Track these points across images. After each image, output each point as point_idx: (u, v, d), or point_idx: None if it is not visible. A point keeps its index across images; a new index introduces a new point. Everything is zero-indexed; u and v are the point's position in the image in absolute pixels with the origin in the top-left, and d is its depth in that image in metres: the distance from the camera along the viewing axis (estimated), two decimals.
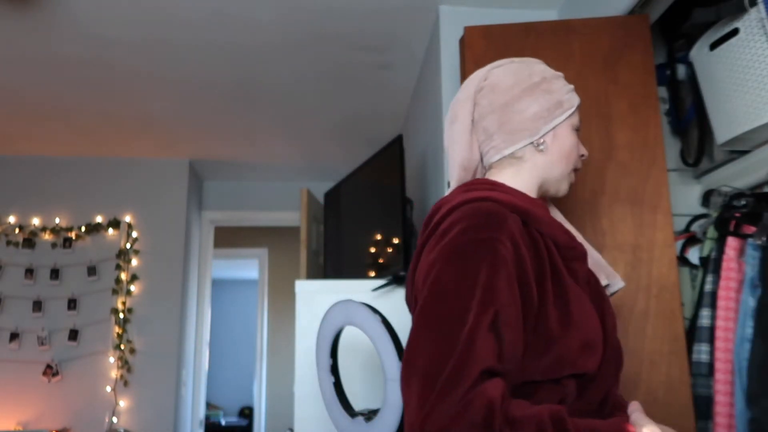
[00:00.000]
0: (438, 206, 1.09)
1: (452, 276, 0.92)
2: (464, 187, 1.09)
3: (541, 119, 1.09)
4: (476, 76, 1.16)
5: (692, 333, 1.71)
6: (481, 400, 0.81)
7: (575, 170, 1.15)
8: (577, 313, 0.97)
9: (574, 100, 1.13)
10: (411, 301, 1.17)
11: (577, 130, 1.15)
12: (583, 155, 1.16)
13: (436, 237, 1.00)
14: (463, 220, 0.97)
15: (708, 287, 1.69)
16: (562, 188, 1.15)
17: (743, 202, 1.73)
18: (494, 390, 0.82)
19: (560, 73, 1.16)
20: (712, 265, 1.71)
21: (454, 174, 1.17)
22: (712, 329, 1.65)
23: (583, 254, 1.07)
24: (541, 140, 1.10)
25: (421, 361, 0.87)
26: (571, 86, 1.15)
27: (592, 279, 1.08)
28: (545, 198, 1.18)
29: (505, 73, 1.13)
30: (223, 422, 7.75)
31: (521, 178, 1.11)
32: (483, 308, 0.87)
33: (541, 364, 0.94)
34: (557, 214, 1.21)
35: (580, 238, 1.16)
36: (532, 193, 1.12)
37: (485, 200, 1.01)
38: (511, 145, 1.10)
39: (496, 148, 1.11)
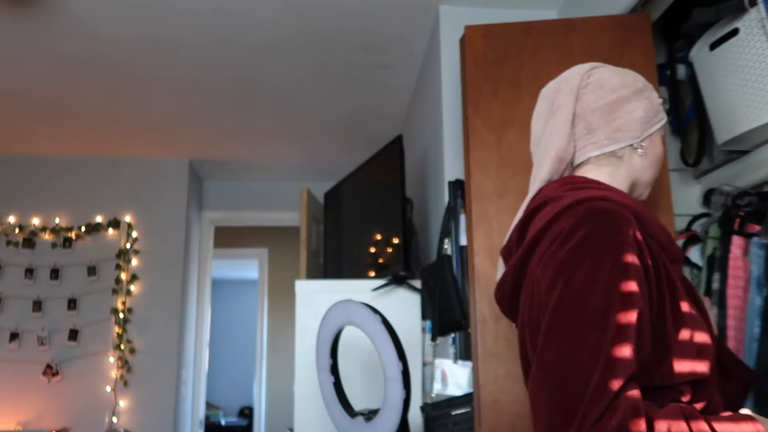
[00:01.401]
0: (540, 202, 1.08)
1: (586, 280, 0.90)
2: (569, 185, 1.08)
3: (644, 123, 1.13)
4: (577, 72, 1.17)
5: None
6: (630, 406, 0.82)
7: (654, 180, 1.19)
8: (688, 318, 0.97)
9: (664, 113, 1.18)
10: (507, 297, 1.15)
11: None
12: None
13: (554, 238, 0.98)
14: (588, 221, 0.95)
15: (715, 285, 1.68)
16: (646, 193, 1.18)
17: (747, 201, 1.73)
18: (638, 396, 0.84)
19: (652, 86, 1.20)
20: (717, 263, 1.70)
21: (546, 165, 1.15)
22: (720, 328, 1.65)
23: (681, 257, 1.09)
24: (642, 143, 1.13)
25: (562, 369, 0.86)
26: (661, 100, 1.19)
27: (686, 281, 1.09)
28: None
29: (611, 73, 1.16)
30: (223, 422, 7.75)
31: (619, 177, 1.13)
32: (623, 313, 0.87)
33: (661, 370, 0.94)
34: None
35: None
36: (630, 190, 1.15)
37: (602, 200, 1.00)
38: (614, 143, 1.12)
39: (596, 144, 1.12)
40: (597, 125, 1.12)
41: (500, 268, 1.21)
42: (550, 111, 1.17)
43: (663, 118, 1.16)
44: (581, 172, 1.14)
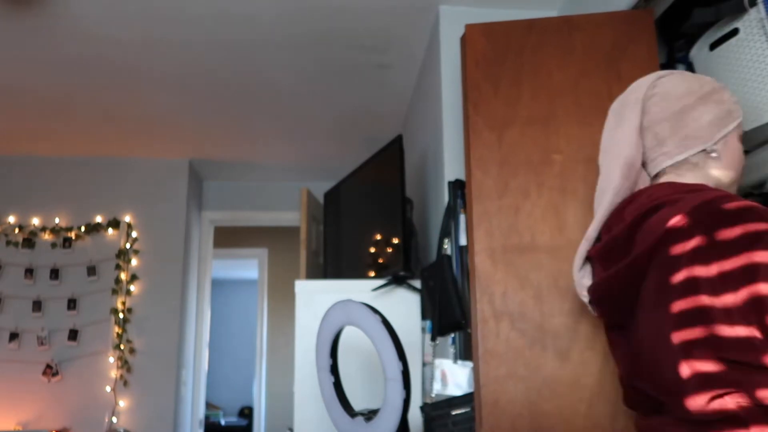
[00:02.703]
0: (653, 206, 1.07)
1: None
2: (683, 189, 1.08)
3: (714, 127, 1.14)
4: (643, 83, 1.20)
5: None
6: None
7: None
8: None
9: (740, 110, 1.18)
10: (613, 297, 1.14)
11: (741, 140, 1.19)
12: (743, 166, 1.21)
13: (700, 232, 0.97)
14: (749, 213, 0.95)
15: None
16: (733, 192, 1.17)
17: None
18: None
19: (725, 85, 1.20)
20: None
21: (616, 171, 1.18)
22: None
23: None
24: (715, 146, 1.14)
25: None
26: (736, 98, 1.19)
27: None
28: None
29: (676, 81, 1.18)
30: (222, 422, 7.75)
31: (704, 180, 1.15)
32: None
33: None
34: None
35: None
36: None
37: (737, 198, 1.00)
38: (685, 150, 1.14)
39: (667, 155, 1.16)
40: (665, 135, 1.16)
41: (578, 268, 1.23)
42: (617, 122, 1.21)
43: (737, 118, 1.16)
44: (676, 179, 1.16)
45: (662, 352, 1.00)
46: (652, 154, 1.18)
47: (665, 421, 1.03)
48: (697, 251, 0.96)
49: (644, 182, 1.21)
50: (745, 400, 0.91)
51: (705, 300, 0.94)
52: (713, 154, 1.14)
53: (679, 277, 0.98)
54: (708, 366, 0.94)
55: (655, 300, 1.03)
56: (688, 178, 1.15)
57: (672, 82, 1.18)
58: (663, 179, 1.17)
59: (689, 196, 1.04)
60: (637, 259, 1.06)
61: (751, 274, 0.91)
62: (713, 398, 0.93)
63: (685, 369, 0.95)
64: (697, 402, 0.94)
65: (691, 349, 0.96)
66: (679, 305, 0.99)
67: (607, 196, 1.19)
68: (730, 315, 0.92)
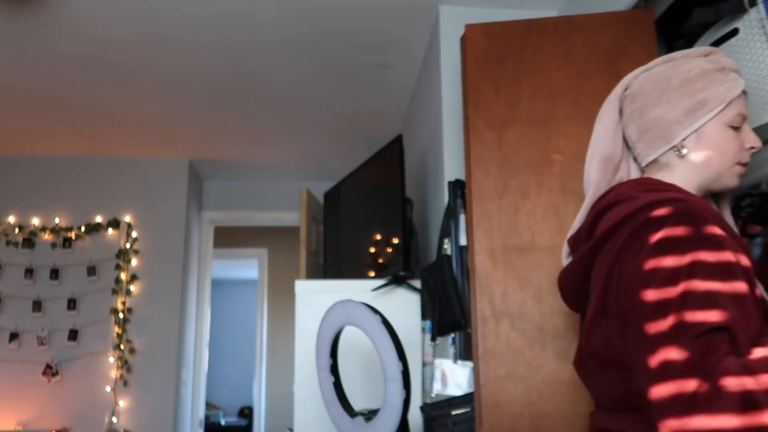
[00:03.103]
0: (614, 201, 1.09)
1: (668, 268, 0.91)
2: (644, 186, 1.08)
3: (678, 124, 1.09)
4: (625, 79, 1.19)
5: None
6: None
7: (744, 163, 1.12)
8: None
9: (727, 94, 1.09)
10: (573, 285, 1.17)
11: (737, 125, 1.10)
12: (752, 147, 1.12)
13: (630, 233, 0.99)
14: (673, 218, 0.95)
15: None
16: (728, 183, 1.13)
17: (748, 202, 1.72)
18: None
19: (718, 65, 1.11)
20: None
21: (594, 166, 1.18)
22: None
23: (748, 249, 1.06)
24: (681, 145, 1.10)
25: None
26: (730, 78, 1.10)
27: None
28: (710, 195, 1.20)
29: (648, 78, 1.15)
30: (222, 422, 7.75)
31: (675, 181, 1.12)
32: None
33: None
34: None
35: None
36: (694, 191, 1.12)
37: (682, 201, 0.99)
38: (652, 152, 1.12)
39: (641, 155, 1.15)
40: (635, 137, 1.15)
41: (565, 256, 1.25)
42: (599, 118, 1.20)
43: (716, 106, 1.08)
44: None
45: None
46: (634, 153, 1.17)
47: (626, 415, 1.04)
48: (621, 251, 0.99)
49: (636, 176, 1.20)
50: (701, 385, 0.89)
51: (620, 296, 0.98)
52: (683, 151, 1.10)
53: (601, 269, 1.04)
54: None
55: (592, 290, 1.08)
56: (662, 176, 1.13)
57: (644, 79, 1.15)
58: (645, 175, 1.16)
59: (643, 195, 1.04)
60: (589, 250, 1.09)
61: (648, 278, 0.93)
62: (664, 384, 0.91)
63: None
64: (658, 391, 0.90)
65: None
66: (596, 298, 1.04)
67: (589, 190, 1.19)
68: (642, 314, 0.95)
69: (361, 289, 2.39)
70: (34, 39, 2.62)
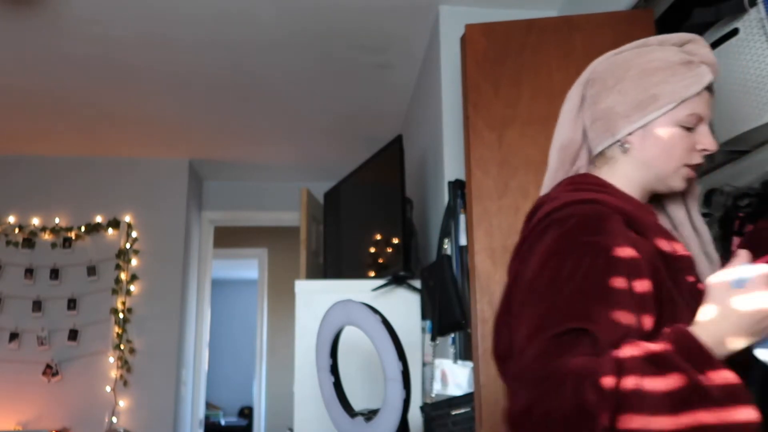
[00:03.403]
0: (540, 202, 1.06)
1: (548, 275, 0.91)
2: (572, 186, 1.05)
3: (625, 118, 1.02)
4: (591, 64, 1.14)
5: None
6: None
7: (693, 165, 1.04)
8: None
9: (682, 92, 1.00)
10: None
11: (690, 126, 1.02)
12: (704, 150, 1.03)
13: (535, 235, 0.99)
14: (566, 221, 0.94)
15: None
16: (673, 185, 1.05)
17: (747, 202, 1.72)
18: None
19: (685, 58, 1.03)
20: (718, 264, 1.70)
21: (552, 155, 1.13)
22: None
23: (689, 265, 1.02)
24: (626, 140, 1.03)
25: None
26: (692, 74, 1.01)
27: (698, 293, 0.95)
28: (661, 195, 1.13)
29: (610, 64, 1.08)
30: (222, 422, 7.75)
31: (617, 176, 1.05)
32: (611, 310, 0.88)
33: None
34: (693, 221, 1.14)
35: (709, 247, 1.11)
36: (635, 191, 1.05)
37: (591, 202, 0.97)
38: (599, 144, 1.06)
39: (591, 145, 1.09)
40: (588, 125, 1.08)
41: None
42: (564, 101, 1.14)
43: (668, 103, 1.00)
44: (592, 170, 1.10)
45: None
46: (589, 142, 1.10)
47: None
48: (525, 252, 0.99)
49: (585, 168, 1.14)
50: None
51: (515, 294, 0.99)
52: (626, 146, 1.03)
53: (511, 269, 1.04)
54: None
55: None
56: (604, 171, 1.07)
57: (608, 64, 1.08)
58: (591, 168, 1.10)
59: (563, 196, 1.01)
60: (514, 251, 1.09)
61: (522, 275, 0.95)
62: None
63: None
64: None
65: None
66: (503, 298, 1.06)
67: (545, 180, 1.14)
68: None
69: (361, 289, 2.39)
70: (34, 39, 2.62)
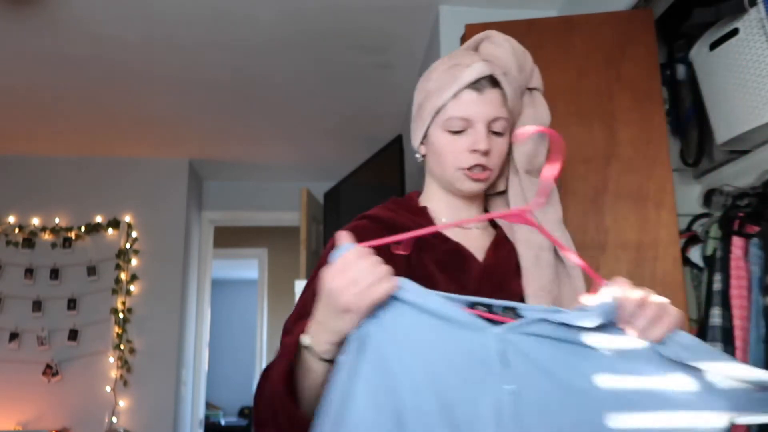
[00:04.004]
0: None
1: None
2: (388, 202, 1.15)
3: (414, 129, 1.11)
4: None
5: (702, 333, 1.70)
6: None
7: (472, 167, 1.03)
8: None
9: (439, 98, 1.03)
10: None
11: (456, 129, 1.03)
12: (474, 150, 1.02)
13: None
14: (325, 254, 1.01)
15: (717, 286, 1.68)
16: (459, 188, 1.07)
17: (747, 202, 1.72)
18: None
19: (451, 63, 1.05)
20: (718, 264, 1.70)
21: None
22: (724, 329, 1.64)
23: (460, 261, 1.05)
24: (418, 150, 1.12)
25: None
26: (447, 80, 1.03)
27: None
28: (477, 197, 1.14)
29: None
30: (222, 422, 7.74)
31: (427, 186, 1.14)
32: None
33: None
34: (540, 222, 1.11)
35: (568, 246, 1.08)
36: (442, 197, 1.11)
37: (363, 218, 1.07)
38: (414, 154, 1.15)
39: None
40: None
41: None
42: None
43: (431, 112, 1.04)
44: None
45: None
46: None
47: None
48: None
49: None
50: None
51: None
52: (417, 156, 1.13)
53: None
54: None
55: None
56: (426, 181, 1.16)
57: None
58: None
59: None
60: None
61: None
62: None
63: None
64: None
65: None
66: None
67: None
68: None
69: None
70: (34, 39, 2.62)
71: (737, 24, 1.66)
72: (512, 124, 1.08)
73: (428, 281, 0.91)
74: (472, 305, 0.81)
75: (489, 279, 1.02)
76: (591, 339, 0.80)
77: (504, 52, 1.07)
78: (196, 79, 3.02)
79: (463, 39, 1.87)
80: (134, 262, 4.00)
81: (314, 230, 3.43)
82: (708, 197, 1.91)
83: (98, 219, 4.02)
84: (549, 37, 1.82)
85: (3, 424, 3.69)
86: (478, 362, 0.77)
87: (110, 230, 4.01)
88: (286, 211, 4.64)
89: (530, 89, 1.13)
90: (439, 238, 1.05)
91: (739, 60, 1.66)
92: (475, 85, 1.02)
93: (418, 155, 1.12)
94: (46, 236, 3.95)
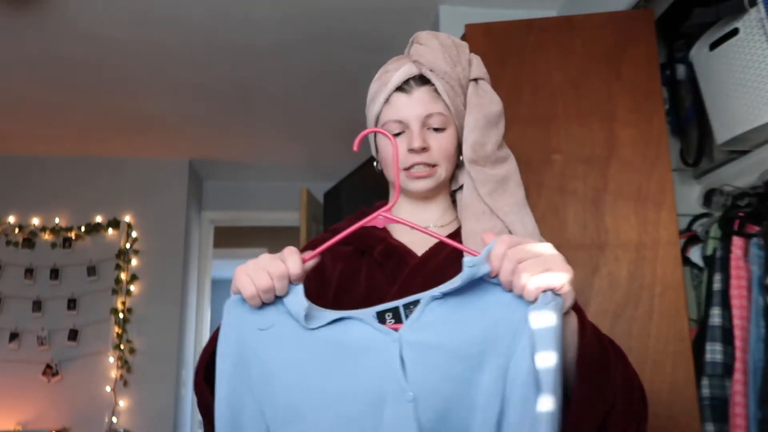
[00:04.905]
0: None
1: None
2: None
3: (372, 135, 1.13)
4: None
5: (702, 333, 1.70)
6: None
7: (411, 167, 1.05)
8: None
9: (374, 107, 1.12)
10: None
11: (395, 132, 1.06)
12: (411, 150, 1.04)
13: None
14: None
15: (717, 286, 1.68)
16: (409, 189, 1.09)
17: (746, 202, 1.73)
18: None
19: (382, 71, 1.12)
20: (718, 264, 1.70)
21: None
22: (724, 328, 1.64)
23: (391, 255, 1.06)
24: (376, 159, 1.14)
25: None
26: (377, 87, 1.11)
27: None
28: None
29: None
30: None
31: (390, 190, 1.17)
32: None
33: None
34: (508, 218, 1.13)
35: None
36: (402, 201, 1.13)
37: (329, 230, 1.10)
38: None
39: None
40: None
41: None
42: None
43: (372, 120, 1.11)
44: None
45: None
46: None
47: None
48: None
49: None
50: None
51: None
52: (376, 164, 1.15)
53: None
54: None
55: None
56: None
57: None
58: None
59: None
60: None
61: None
62: None
63: None
64: None
65: None
66: None
67: None
68: None
69: None
70: (34, 40, 2.62)
71: (737, 24, 1.67)
72: (458, 117, 1.08)
73: (367, 280, 1.00)
74: (382, 314, 0.81)
75: (421, 271, 1.02)
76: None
77: (429, 49, 1.08)
78: (196, 79, 3.02)
79: (463, 39, 1.87)
80: (134, 262, 4.00)
81: (314, 230, 3.43)
82: (708, 197, 1.91)
83: (98, 219, 4.02)
84: (549, 37, 1.82)
85: (3, 424, 3.69)
86: (380, 379, 0.76)
87: (110, 230, 4.01)
88: (286, 211, 4.64)
89: (475, 80, 1.12)
90: (385, 241, 1.08)
91: (739, 60, 1.67)
92: (403, 86, 1.06)
93: (375, 164, 1.14)
94: (46, 236, 3.95)
